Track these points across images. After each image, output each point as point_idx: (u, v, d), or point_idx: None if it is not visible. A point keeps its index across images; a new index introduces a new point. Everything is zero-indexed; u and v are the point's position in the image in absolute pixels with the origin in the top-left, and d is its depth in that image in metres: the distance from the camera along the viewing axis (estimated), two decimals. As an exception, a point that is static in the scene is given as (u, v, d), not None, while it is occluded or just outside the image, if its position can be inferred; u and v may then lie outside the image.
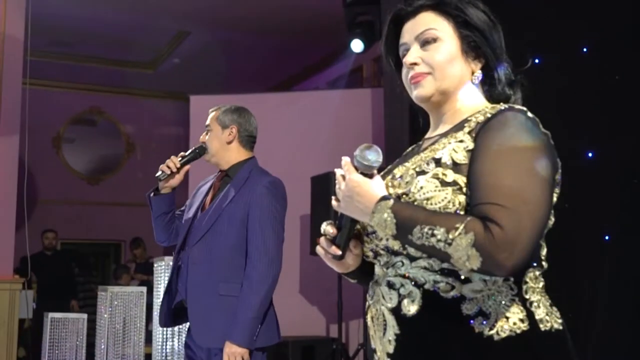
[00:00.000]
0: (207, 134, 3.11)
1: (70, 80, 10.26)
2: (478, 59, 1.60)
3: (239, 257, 2.92)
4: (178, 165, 3.03)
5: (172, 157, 3.04)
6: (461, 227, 1.33)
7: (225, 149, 3.07)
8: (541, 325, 1.42)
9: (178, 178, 3.07)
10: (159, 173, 3.03)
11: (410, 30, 1.62)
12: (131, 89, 10.62)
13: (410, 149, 1.76)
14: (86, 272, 9.38)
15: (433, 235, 1.35)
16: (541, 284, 1.50)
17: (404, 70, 1.63)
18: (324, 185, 5.62)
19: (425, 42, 1.59)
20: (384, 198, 1.43)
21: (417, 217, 1.38)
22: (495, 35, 1.60)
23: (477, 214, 1.36)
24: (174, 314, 3.07)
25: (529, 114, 1.48)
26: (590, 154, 4.01)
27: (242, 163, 3.09)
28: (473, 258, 1.32)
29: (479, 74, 1.60)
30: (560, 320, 1.48)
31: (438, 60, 1.57)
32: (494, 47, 1.59)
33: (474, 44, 1.59)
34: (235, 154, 3.09)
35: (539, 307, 1.45)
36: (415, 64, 1.59)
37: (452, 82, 1.58)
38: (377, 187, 1.46)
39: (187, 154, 3.08)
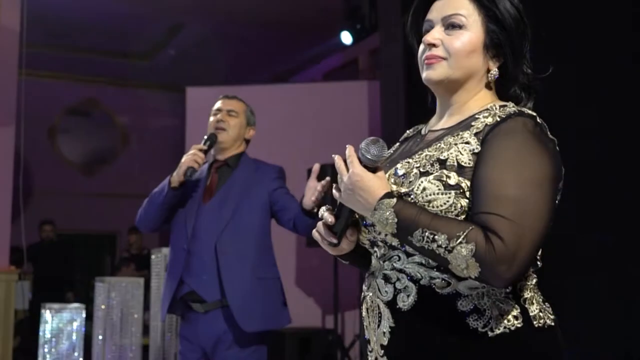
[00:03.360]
0: (229, 117, 3.22)
1: (65, 71, 10.22)
2: (497, 57, 1.57)
3: (266, 240, 3.12)
4: (205, 160, 3.12)
5: (197, 152, 3.07)
6: (462, 236, 1.33)
7: (239, 142, 3.26)
8: (535, 322, 1.44)
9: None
10: (188, 170, 3.04)
11: (440, 9, 1.58)
12: (127, 80, 10.60)
13: (412, 132, 1.74)
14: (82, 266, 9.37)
15: (434, 240, 1.35)
16: (534, 281, 1.51)
17: (421, 47, 1.59)
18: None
19: (451, 26, 1.55)
20: (386, 195, 1.42)
21: (419, 220, 1.37)
22: (520, 38, 1.56)
23: (479, 222, 1.36)
24: (173, 305, 3.09)
25: (538, 120, 1.46)
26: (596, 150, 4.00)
27: (239, 155, 3.26)
28: (472, 267, 1.33)
29: (495, 72, 1.57)
30: (552, 317, 1.49)
31: (457, 48, 1.53)
32: (516, 49, 1.56)
33: (497, 41, 1.55)
34: (240, 148, 3.28)
35: (532, 303, 1.47)
36: (434, 45, 1.55)
37: (464, 74, 1.55)
38: (380, 183, 1.44)
39: (204, 146, 3.13)
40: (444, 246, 1.35)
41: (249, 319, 2.96)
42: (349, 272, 5.60)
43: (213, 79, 8.41)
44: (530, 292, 1.48)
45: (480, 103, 1.56)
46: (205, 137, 3.16)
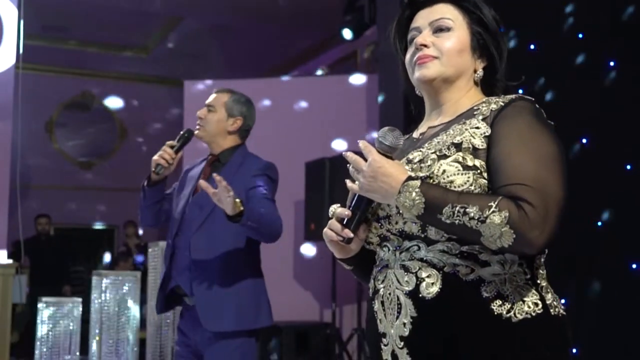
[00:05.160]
0: (207, 112, 3.12)
1: (63, 65, 10.19)
2: (482, 58, 1.66)
3: (239, 241, 2.98)
4: (173, 156, 3.03)
5: (166, 148, 3.02)
6: (495, 205, 1.38)
7: (222, 136, 3.12)
8: (551, 310, 1.49)
9: (172, 167, 3.07)
10: (156, 167, 3.01)
11: (426, 16, 1.67)
12: (125, 73, 10.57)
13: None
14: (79, 260, 9.38)
15: (465, 213, 1.39)
16: (544, 271, 1.55)
17: (411, 51, 1.67)
18: (318, 171, 5.62)
19: (439, 29, 1.65)
20: (410, 178, 1.46)
21: (446, 197, 1.42)
22: (501, 40, 1.66)
23: (505, 194, 1.40)
24: (167, 299, 3.08)
25: (537, 105, 1.55)
26: (584, 140, 4.02)
27: (234, 149, 3.15)
28: (506, 235, 1.37)
29: (481, 72, 1.66)
30: (563, 307, 1.53)
31: (448, 47, 1.62)
32: (500, 50, 1.66)
33: (482, 43, 1.65)
34: (230, 141, 3.14)
35: (547, 292, 1.51)
36: (425, 45, 1.63)
37: (456, 72, 1.63)
38: (400, 168, 1.49)
39: (177, 142, 3.07)
40: (476, 217, 1.38)
41: (213, 319, 2.88)
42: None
43: (211, 73, 8.39)
44: (544, 281, 1.53)
45: (472, 99, 1.64)
46: (181, 132, 3.12)
